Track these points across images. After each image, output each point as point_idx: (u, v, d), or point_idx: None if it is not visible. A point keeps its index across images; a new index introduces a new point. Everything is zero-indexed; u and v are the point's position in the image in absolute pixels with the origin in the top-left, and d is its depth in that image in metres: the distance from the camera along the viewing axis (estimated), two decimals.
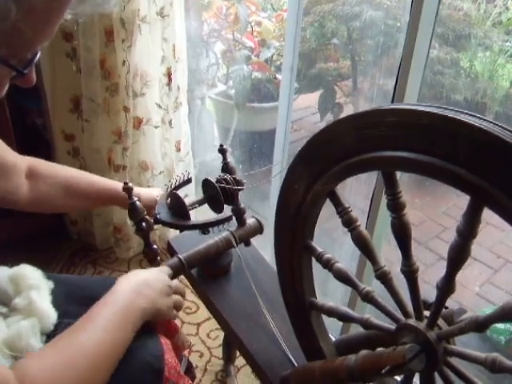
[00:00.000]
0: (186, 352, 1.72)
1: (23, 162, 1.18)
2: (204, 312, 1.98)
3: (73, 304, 0.89)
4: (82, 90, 2.01)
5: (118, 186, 1.29)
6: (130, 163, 2.11)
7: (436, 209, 2.69)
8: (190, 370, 1.39)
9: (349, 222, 0.90)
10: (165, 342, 1.01)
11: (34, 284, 1.00)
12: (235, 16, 2.71)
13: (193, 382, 1.41)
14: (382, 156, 0.76)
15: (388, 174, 0.79)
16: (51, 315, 0.98)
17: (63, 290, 1.05)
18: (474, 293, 2.27)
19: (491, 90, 2.37)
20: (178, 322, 1.63)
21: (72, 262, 2.34)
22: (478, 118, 0.66)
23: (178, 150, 2.25)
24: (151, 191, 1.39)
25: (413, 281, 0.84)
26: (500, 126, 0.64)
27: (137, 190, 1.29)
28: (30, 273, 1.02)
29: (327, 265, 0.97)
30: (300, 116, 3.17)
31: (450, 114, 0.66)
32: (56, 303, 1.00)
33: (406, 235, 0.81)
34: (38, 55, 0.68)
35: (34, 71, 0.71)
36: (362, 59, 2.58)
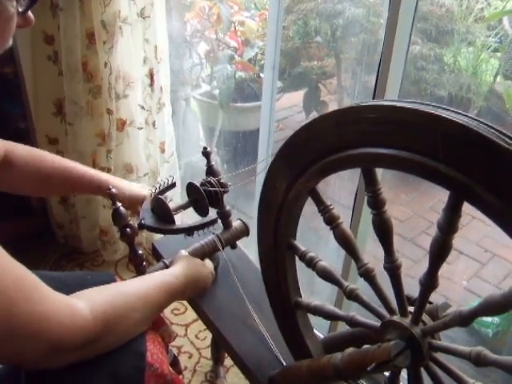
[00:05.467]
0: (172, 348, 1.71)
1: None
2: (192, 313, 1.97)
3: None
4: (65, 92, 2.00)
5: (95, 175, 1.31)
6: (114, 166, 2.10)
7: (422, 204, 2.69)
8: (176, 365, 1.38)
9: (331, 220, 0.89)
10: (148, 331, 1.01)
11: None
12: (218, 16, 2.69)
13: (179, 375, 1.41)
14: (362, 153, 0.76)
15: (368, 171, 0.79)
16: None
17: (51, 286, 1.04)
18: (462, 287, 2.28)
19: (475, 86, 2.38)
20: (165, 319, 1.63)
21: (59, 265, 2.32)
22: (456, 112, 0.66)
23: (163, 151, 2.24)
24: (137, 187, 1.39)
25: (396, 277, 0.84)
26: (477, 120, 0.64)
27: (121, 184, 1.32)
28: None
29: (311, 263, 0.97)
30: (285, 115, 3.17)
31: (428, 110, 0.66)
32: None
33: (387, 231, 0.81)
34: None
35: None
36: (345, 57, 2.59)
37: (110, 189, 1.15)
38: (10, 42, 0.77)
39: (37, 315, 0.73)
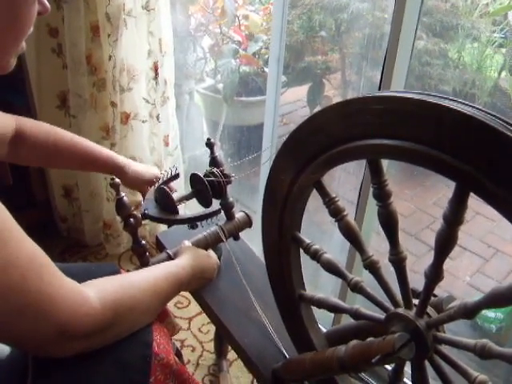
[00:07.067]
0: (176, 342, 1.71)
1: (10, 122, 1.20)
2: (195, 306, 1.98)
3: None
4: (69, 85, 2.00)
5: (106, 154, 1.35)
6: None
7: (426, 200, 2.69)
8: (179, 358, 1.38)
9: (336, 212, 0.89)
10: (154, 322, 1.01)
11: None
12: (222, 10, 2.69)
13: None
14: (368, 144, 0.76)
15: (373, 163, 0.79)
16: None
17: None
18: (465, 282, 2.28)
19: (480, 81, 2.37)
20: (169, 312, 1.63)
21: (62, 258, 2.33)
22: (462, 103, 0.66)
23: (167, 144, 2.24)
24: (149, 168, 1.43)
25: (401, 269, 0.84)
26: (483, 111, 0.64)
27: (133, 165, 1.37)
28: None
29: (315, 256, 0.97)
30: (289, 109, 3.16)
31: (434, 100, 0.66)
32: None
33: (392, 223, 0.81)
34: None
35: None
36: (350, 51, 2.58)
37: (113, 178, 1.15)
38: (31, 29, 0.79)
39: (46, 295, 0.73)
